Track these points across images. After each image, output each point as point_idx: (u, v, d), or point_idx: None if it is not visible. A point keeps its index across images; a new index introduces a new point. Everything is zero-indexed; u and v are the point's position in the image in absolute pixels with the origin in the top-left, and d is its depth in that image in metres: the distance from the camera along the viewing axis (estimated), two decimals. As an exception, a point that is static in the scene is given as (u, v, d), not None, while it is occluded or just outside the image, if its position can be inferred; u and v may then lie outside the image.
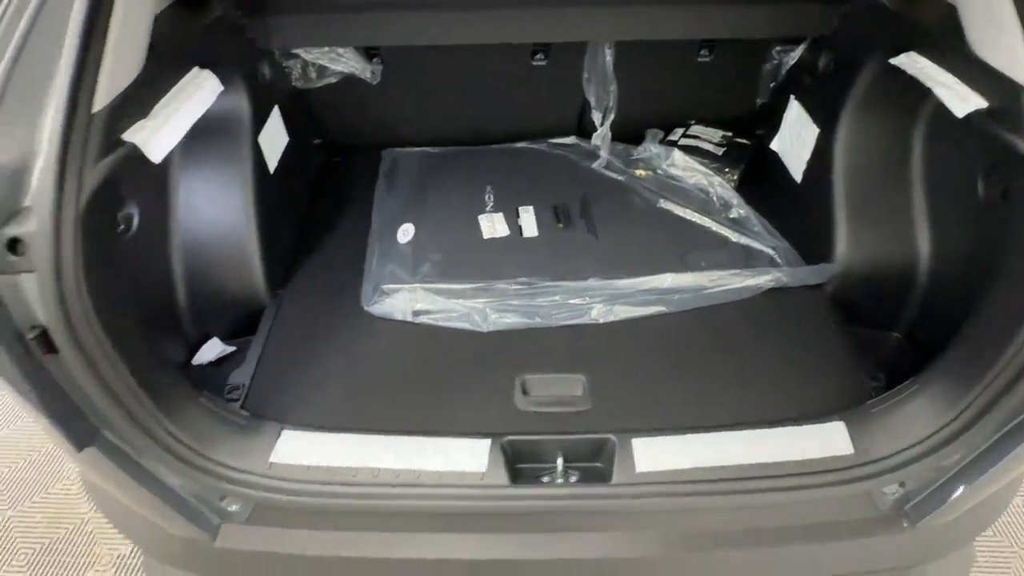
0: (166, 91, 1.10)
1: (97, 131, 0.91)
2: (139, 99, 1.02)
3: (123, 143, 0.97)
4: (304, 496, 1.11)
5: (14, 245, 0.87)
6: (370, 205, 1.74)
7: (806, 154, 1.50)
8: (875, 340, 1.40)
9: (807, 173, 1.52)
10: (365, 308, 1.42)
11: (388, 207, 1.70)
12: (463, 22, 1.47)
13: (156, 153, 1.00)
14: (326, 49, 1.58)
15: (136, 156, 1.03)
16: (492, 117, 1.89)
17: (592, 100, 1.69)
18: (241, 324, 1.50)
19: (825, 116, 1.44)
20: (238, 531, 1.12)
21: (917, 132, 1.31)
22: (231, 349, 1.45)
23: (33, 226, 0.86)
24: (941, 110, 1.23)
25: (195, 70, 1.18)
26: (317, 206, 1.76)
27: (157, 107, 1.05)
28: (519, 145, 1.91)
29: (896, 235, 1.35)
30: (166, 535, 1.17)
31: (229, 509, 1.12)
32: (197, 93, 1.13)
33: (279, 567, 1.15)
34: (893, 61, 1.19)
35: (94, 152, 0.91)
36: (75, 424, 1.01)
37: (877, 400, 1.16)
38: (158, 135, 1.00)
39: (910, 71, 1.15)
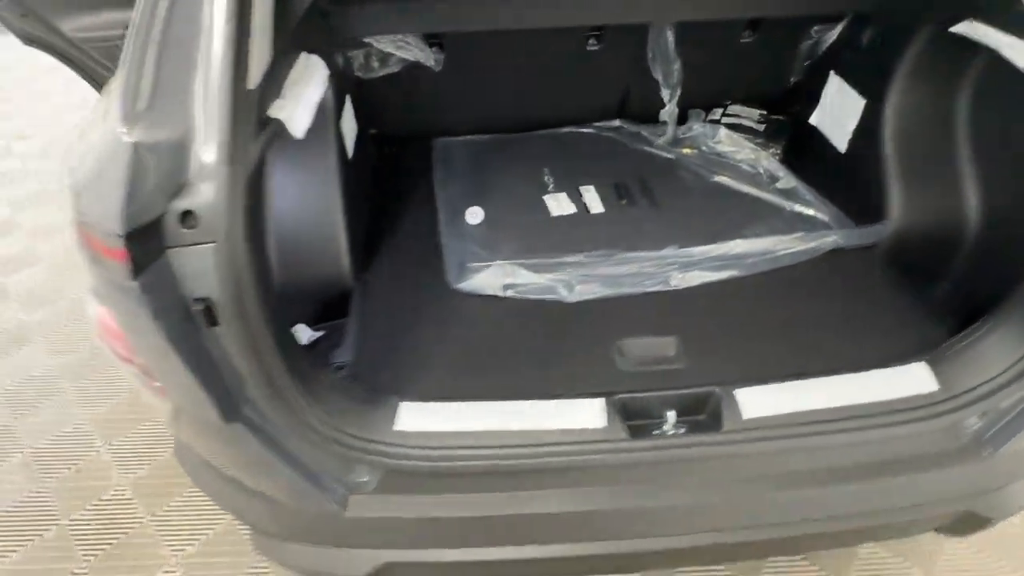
0: (284, 75, 1.12)
1: (253, 108, 0.94)
2: (270, 81, 1.05)
3: (270, 121, 0.99)
4: (432, 462, 1.15)
5: (186, 218, 0.89)
6: (429, 192, 1.78)
7: (851, 125, 1.61)
8: (926, 291, 1.51)
9: (852, 142, 1.63)
10: (454, 286, 1.46)
11: (450, 193, 1.74)
12: (536, 5, 1.53)
13: (299, 130, 1.03)
14: (395, 37, 1.62)
15: None
16: (538, 105, 1.96)
17: (660, 78, 1.78)
18: (321, 309, 1.52)
19: (872, 87, 1.55)
20: (367, 500, 1.15)
21: (962, 95, 1.42)
22: (319, 334, 1.47)
23: (208, 199, 0.88)
24: (986, 73, 1.35)
25: (303, 55, 1.21)
26: (378, 194, 1.80)
27: (285, 88, 1.08)
28: (565, 130, 1.98)
29: (945, 193, 1.47)
30: (289, 511, 1.19)
31: (359, 480, 1.15)
32: (313, 77, 1.16)
33: (408, 531, 1.19)
34: (954, 29, 1.30)
35: (252, 128, 0.94)
36: (225, 399, 1.03)
37: (954, 340, 1.26)
38: (297, 113, 1.03)
39: (973, 37, 1.26)
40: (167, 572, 1.79)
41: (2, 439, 2.14)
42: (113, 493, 1.97)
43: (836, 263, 1.53)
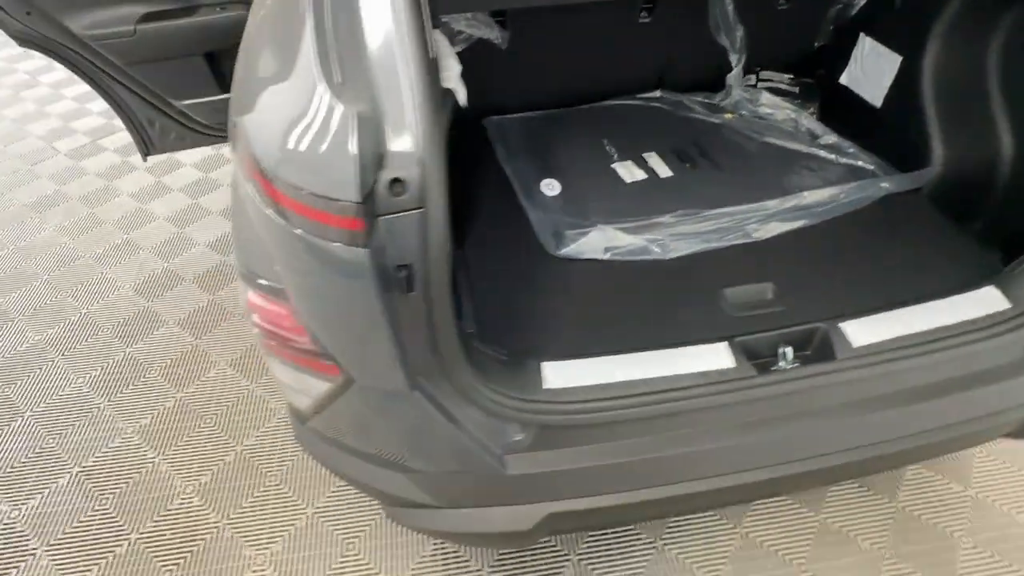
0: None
1: (436, 77, 0.96)
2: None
3: (447, 91, 1.01)
4: (584, 414, 1.21)
5: (394, 186, 0.90)
6: (495, 168, 1.82)
7: (887, 81, 1.76)
8: (969, 226, 1.66)
9: (888, 97, 1.77)
10: (555, 252, 1.51)
11: (518, 168, 1.79)
12: None
13: (463, 99, 1.05)
14: (467, 15, 1.64)
15: None
16: (586, 79, 2.02)
17: (727, 45, 1.87)
18: None
19: (909, 44, 1.69)
20: (525, 458, 1.20)
21: (995, 44, 1.57)
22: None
23: (414, 166, 0.90)
24: (1017, 23, 1.50)
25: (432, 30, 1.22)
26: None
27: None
28: (611, 103, 2.05)
29: (981, 136, 1.62)
30: (446, 478, 1.22)
31: (513, 439, 1.20)
32: (447, 51, 1.18)
33: (566, 483, 1.24)
34: None
35: (439, 97, 0.96)
36: (410, 367, 1.05)
37: (1015, 264, 1.42)
38: (458, 84, 1.05)
39: None
40: (256, 571, 1.77)
41: (45, 461, 2.04)
42: (180, 502, 1.93)
43: (889, 207, 1.67)
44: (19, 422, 2.17)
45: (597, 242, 1.49)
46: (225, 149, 3.39)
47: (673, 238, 1.53)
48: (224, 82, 2.45)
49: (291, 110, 0.90)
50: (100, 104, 3.97)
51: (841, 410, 1.28)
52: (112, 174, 3.37)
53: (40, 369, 2.34)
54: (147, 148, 2.50)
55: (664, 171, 1.77)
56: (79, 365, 2.35)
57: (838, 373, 1.27)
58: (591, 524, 1.43)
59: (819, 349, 1.31)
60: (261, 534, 1.85)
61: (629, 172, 1.77)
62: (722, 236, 1.55)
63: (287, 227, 0.92)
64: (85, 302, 2.61)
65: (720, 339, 1.31)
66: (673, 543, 1.79)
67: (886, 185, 1.67)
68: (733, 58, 1.92)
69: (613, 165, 1.79)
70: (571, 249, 1.51)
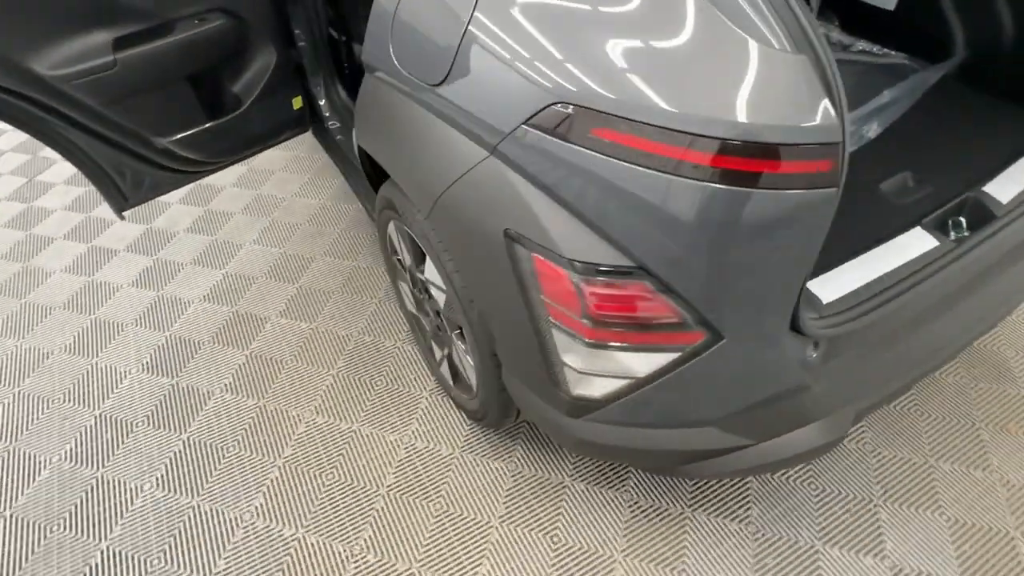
0: None
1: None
2: None
3: None
4: (864, 316, 1.30)
5: None
6: None
7: (899, -15, 2.01)
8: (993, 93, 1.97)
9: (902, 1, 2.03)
10: None
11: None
12: None
13: None
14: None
15: None
16: None
17: None
18: None
19: None
20: (826, 370, 1.28)
21: None
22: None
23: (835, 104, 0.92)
24: None
25: None
26: None
27: None
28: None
29: (985, 18, 1.92)
30: (754, 417, 1.28)
31: (812, 356, 1.27)
32: None
33: (860, 381, 1.34)
34: None
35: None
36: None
37: None
38: None
39: None
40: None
41: (169, 583, 1.72)
42: (354, 565, 1.74)
43: (938, 93, 1.93)
44: (98, 557, 1.79)
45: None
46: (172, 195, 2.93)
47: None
48: (208, 108, 2.14)
49: (725, 71, 0.87)
50: (-49, 178, 3.22)
51: (1011, 256, 1.51)
52: (22, 253, 2.79)
53: (84, 492, 1.93)
54: (122, 202, 2.13)
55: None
56: (132, 472, 1.98)
57: (1004, 229, 1.49)
58: (877, 408, 1.55)
59: (977, 213, 1.52)
60: (462, 563, 1.73)
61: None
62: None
63: (726, 193, 0.89)
64: (90, 403, 2.18)
65: (911, 225, 1.47)
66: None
67: (933, 75, 1.93)
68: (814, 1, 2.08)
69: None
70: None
